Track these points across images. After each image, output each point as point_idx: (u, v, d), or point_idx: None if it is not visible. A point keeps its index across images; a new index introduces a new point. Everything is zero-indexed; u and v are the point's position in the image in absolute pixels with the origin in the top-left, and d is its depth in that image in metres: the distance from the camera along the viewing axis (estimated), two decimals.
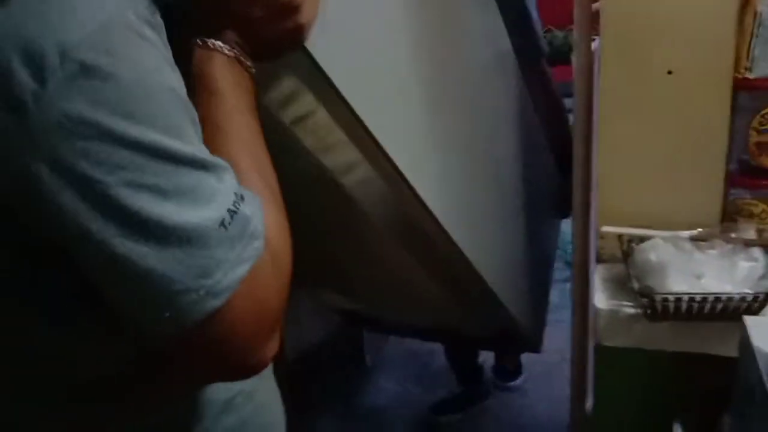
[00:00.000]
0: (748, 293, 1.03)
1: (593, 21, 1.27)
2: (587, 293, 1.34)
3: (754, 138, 1.15)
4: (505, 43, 1.45)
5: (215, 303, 0.50)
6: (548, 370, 2.45)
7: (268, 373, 0.79)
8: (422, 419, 2.27)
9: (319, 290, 1.68)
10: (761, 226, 1.18)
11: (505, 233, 1.52)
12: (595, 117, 1.30)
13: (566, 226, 3.39)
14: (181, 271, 0.49)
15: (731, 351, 1.00)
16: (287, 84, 0.79)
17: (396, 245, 1.13)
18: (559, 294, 3.06)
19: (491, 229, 1.40)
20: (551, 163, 1.96)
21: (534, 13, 1.84)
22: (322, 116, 0.84)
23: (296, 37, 0.64)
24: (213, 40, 0.60)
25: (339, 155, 0.91)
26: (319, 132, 0.86)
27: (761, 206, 1.19)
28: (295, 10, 0.62)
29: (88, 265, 0.50)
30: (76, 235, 0.48)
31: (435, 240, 1.12)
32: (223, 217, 0.50)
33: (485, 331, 1.77)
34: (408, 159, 0.96)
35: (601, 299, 1.15)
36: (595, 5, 1.26)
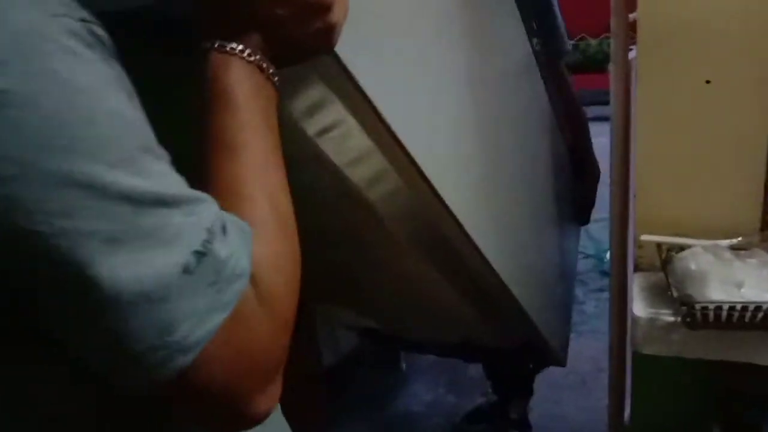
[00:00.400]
0: None
1: (630, 30, 1.28)
2: (625, 301, 1.34)
3: None
4: (525, 44, 1.43)
5: (185, 359, 0.43)
6: (584, 379, 2.45)
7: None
8: (456, 427, 2.27)
9: (338, 309, 1.64)
10: None
11: (530, 243, 1.51)
12: (632, 126, 1.30)
13: (603, 234, 3.38)
14: (142, 330, 0.41)
15: None
16: (313, 92, 0.76)
17: (420, 259, 1.10)
18: (595, 303, 3.06)
19: (517, 240, 1.39)
20: (570, 170, 1.95)
21: (558, 14, 1.82)
22: (349, 126, 0.81)
23: (326, 39, 0.59)
24: (232, 44, 0.53)
25: (365, 167, 0.88)
26: (346, 143, 0.84)
27: None
28: (326, 8, 0.56)
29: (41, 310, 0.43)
30: (17, 288, 0.41)
31: (462, 252, 1.10)
32: (186, 262, 0.43)
33: (510, 345, 1.75)
34: (437, 169, 0.94)
35: (639, 307, 1.15)
36: (631, 15, 1.27)
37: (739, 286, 1.07)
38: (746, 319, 1.04)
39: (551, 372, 2.36)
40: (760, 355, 1.05)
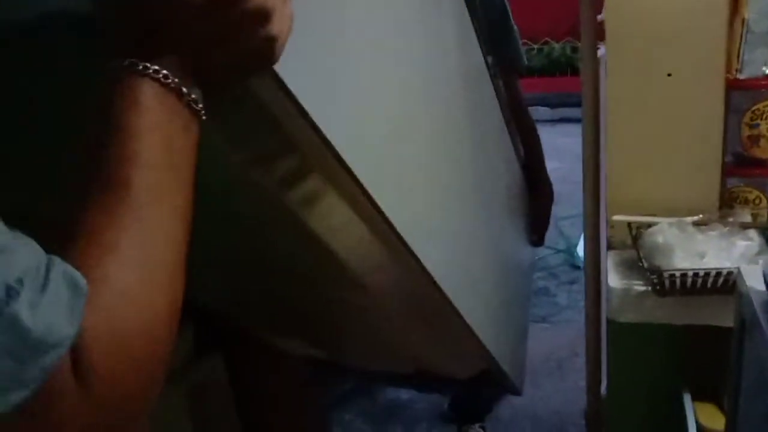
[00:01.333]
0: None
1: (597, 31, 1.40)
2: (598, 278, 1.46)
3: (746, 132, 1.28)
4: (478, 57, 1.37)
5: None
6: (560, 364, 2.58)
7: None
8: (443, 412, 2.38)
9: (280, 339, 1.50)
10: (755, 211, 1.31)
11: (488, 273, 1.47)
12: (602, 118, 1.43)
13: (573, 230, 3.53)
14: None
15: (731, 322, 1.12)
16: (290, 162, 0.70)
17: (378, 295, 1.04)
18: (567, 295, 3.20)
19: (477, 270, 1.34)
20: (525, 191, 1.87)
21: (514, 28, 1.78)
22: (330, 198, 0.76)
23: (267, 54, 0.49)
24: (145, 63, 0.45)
25: (345, 235, 0.83)
26: (327, 215, 0.78)
27: (755, 193, 1.32)
28: (265, 18, 0.47)
29: None
30: None
31: (422, 288, 1.03)
32: None
33: (466, 376, 1.69)
34: (412, 229, 0.87)
35: (613, 279, 1.27)
36: (599, 16, 1.40)
37: (702, 256, 1.19)
38: (708, 285, 1.17)
39: (530, 360, 2.48)
40: (721, 318, 1.17)
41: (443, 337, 1.29)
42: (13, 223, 0.38)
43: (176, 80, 0.45)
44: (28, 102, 0.60)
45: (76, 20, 0.48)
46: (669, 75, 1.29)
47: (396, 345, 1.32)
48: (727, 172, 1.33)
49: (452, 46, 1.20)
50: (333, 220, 0.80)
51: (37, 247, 0.39)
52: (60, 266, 0.38)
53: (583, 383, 1.65)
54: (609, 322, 1.31)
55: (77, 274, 0.39)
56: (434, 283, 1.00)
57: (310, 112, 0.61)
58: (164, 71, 0.45)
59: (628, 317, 1.26)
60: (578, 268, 3.30)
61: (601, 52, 1.42)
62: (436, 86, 1.08)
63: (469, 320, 1.18)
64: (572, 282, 3.31)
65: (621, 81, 1.32)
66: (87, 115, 0.44)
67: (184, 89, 0.46)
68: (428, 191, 1.03)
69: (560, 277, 3.41)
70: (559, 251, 3.59)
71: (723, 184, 1.33)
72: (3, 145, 0.64)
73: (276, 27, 0.48)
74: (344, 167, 0.71)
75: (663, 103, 1.31)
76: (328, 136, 0.65)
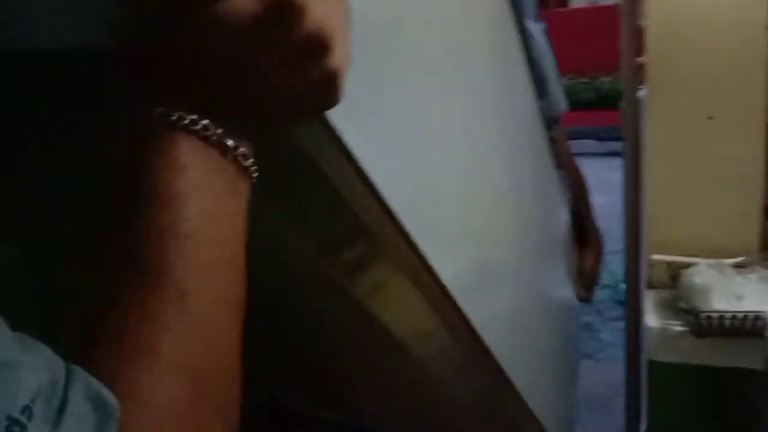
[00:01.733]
0: None
1: (639, 73, 1.43)
2: (639, 316, 1.47)
3: None
4: (533, 106, 1.28)
5: None
6: (603, 403, 2.55)
7: None
8: None
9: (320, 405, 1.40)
10: None
11: (538, 334, 1.37)
12: (643, 159, 1.45)
13: (619, 265, 3.49)
14: None
15: None
16: (357, 249, 0.64)
17: (422, 361, 0.91)
18: (611, 333, 3.18)
19: (528, 332, 1.25)
20: (573, 243, 1.73)
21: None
22: (398, 283, 0.70)
23: (326, 91, 0.39)
24: (181, 112, 0.35)
25: (412, 324, 0.78)
26: (395, 303, 0.73)
27: None
28: (325, 46, 0.37)
29: None
30: None
31: (473, 355, 0.94)
32: None
33: None
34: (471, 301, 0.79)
35: (652, 319, 1.28)
36: (639, 59, 1.43)
37: (740, 298, 1.20)
38: (746, 327, 1.18)
39: None
40: (758, 361, 1.17)
41: (489, 408, 1.17)
42: (21, 322, 0.30)
43: (219, 131, 0.36)
44: (35, 160, 0.49)
45: (96, 55, 0.39)
46: (710, 118, 1.31)
47: (434, 414, 1.26)
48: None
49: (515, 97, 1.14)
50: (386, 292, 0.73)
51: (53, 355, 0.30)
52: (82, 380, 0.30)
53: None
54: (648, 361, 1.31)
55: (105, 390, 0.30)
56: (486, 349, 0.90)
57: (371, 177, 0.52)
58: (204, 121, 0.36)
59: (666, 357, 1.27)
60: (623, 303, 3.25)
61: (642, 93, 1.44)
62: (503, 145, 1.01)
63: (521, 389, 1.09)
64: (616, 319, 3.28)
65: (662, 123, 1.34)
66: (110, 177, 0.37)
67: (230, 142, 0.36)
68: (491, 257, 0.95)
69: (604, 313, 3.39)
70: (604, 286, 3.57)
71: (763, 226, 1.33)
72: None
73: (336, 59, 0.38)
74: (401, 231, 0.61)
75: (704, 145, 1.32)
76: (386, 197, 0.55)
